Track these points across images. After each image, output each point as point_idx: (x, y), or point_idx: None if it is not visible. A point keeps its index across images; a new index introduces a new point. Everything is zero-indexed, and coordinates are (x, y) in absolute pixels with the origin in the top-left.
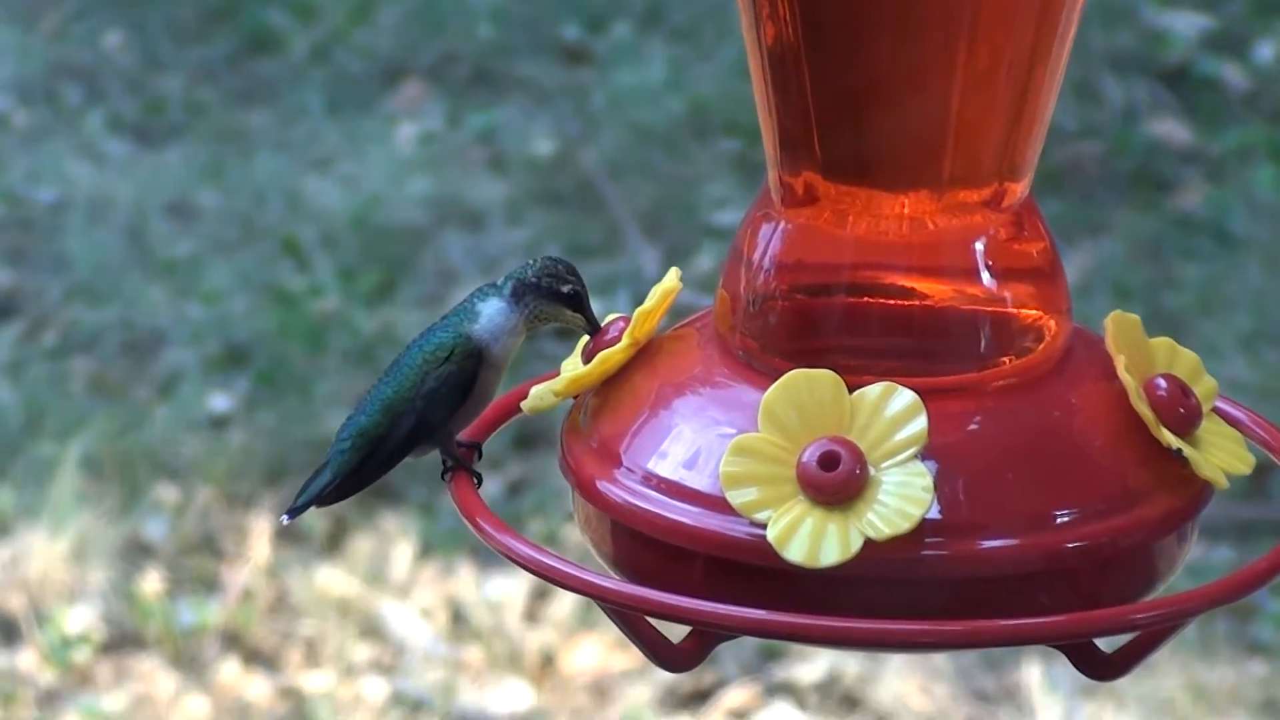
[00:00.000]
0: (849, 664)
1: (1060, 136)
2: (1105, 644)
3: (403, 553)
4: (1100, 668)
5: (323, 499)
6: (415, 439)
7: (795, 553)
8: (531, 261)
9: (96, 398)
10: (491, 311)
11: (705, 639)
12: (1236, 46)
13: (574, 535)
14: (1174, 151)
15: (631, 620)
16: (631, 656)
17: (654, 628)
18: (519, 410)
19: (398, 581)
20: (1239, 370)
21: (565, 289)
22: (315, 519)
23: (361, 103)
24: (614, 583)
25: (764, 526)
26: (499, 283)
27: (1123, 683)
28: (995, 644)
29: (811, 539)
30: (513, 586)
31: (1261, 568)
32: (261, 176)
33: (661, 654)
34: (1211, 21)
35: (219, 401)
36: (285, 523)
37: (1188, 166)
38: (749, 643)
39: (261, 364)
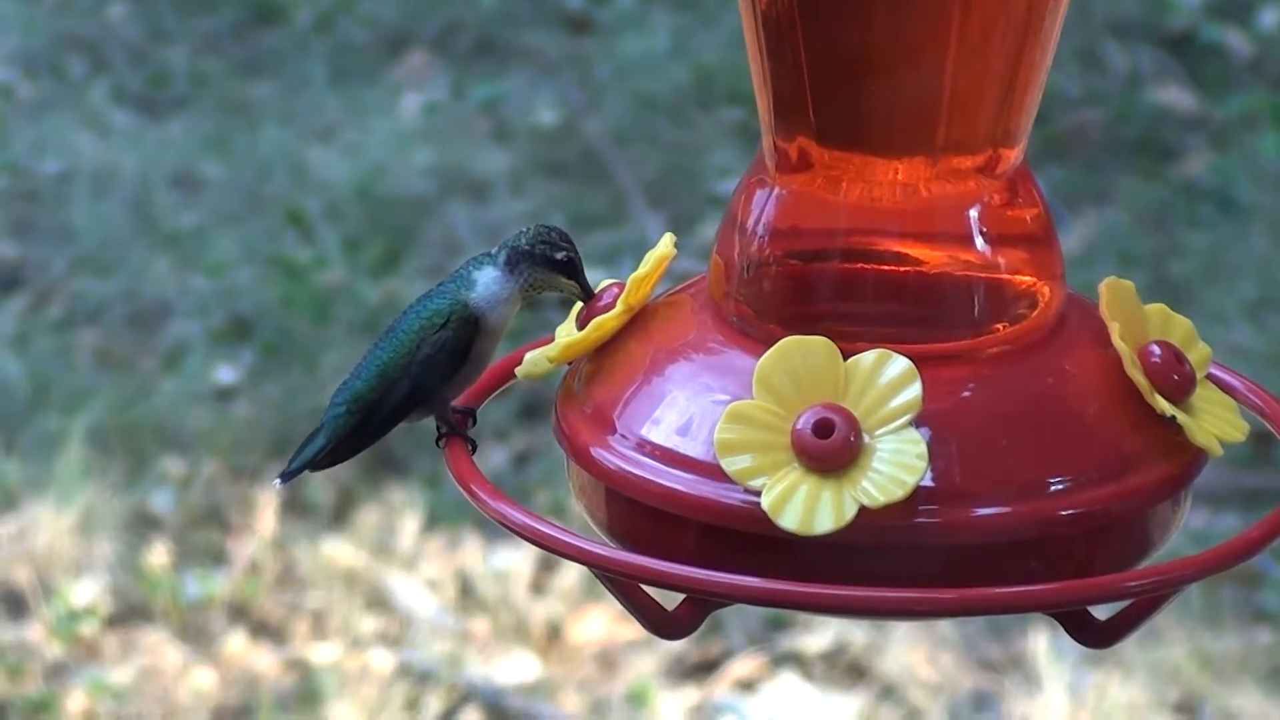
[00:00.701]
0: (855, 634)
1: (1064, 103)
2: (1101, 611)
3: (409, 524)
4: (1095, 635)
5: (317, 463)
6: (410, 405)
7: (789, 520)
8: (526, 229)
9: (102, 370)
10: (487, 279)
11: (700, 606)
12: (1240, 13)
13: (578, 507)
14: (1178, 118)
15: (626, 588)
16: (637, 628)
17: (649, 595)
18: (514, 377)
19: (404, 553)
20: (1244, 337)
21: (559, 256)
22: (321, 491)
23: (365, 73)
24: (608, 550)
25: (758, 494)
26: (494, 251)
27: (1128, 651)
28: (988, 612)
29: (806, 506)
30: (519, 558)
31: (1254, 536)
32: (266, 148)
33: (657, 621)
34: None
35: (224, 373)
36: (279, 485)
37: (1192, 133)
38: (754, 613)
39: (267, 335)
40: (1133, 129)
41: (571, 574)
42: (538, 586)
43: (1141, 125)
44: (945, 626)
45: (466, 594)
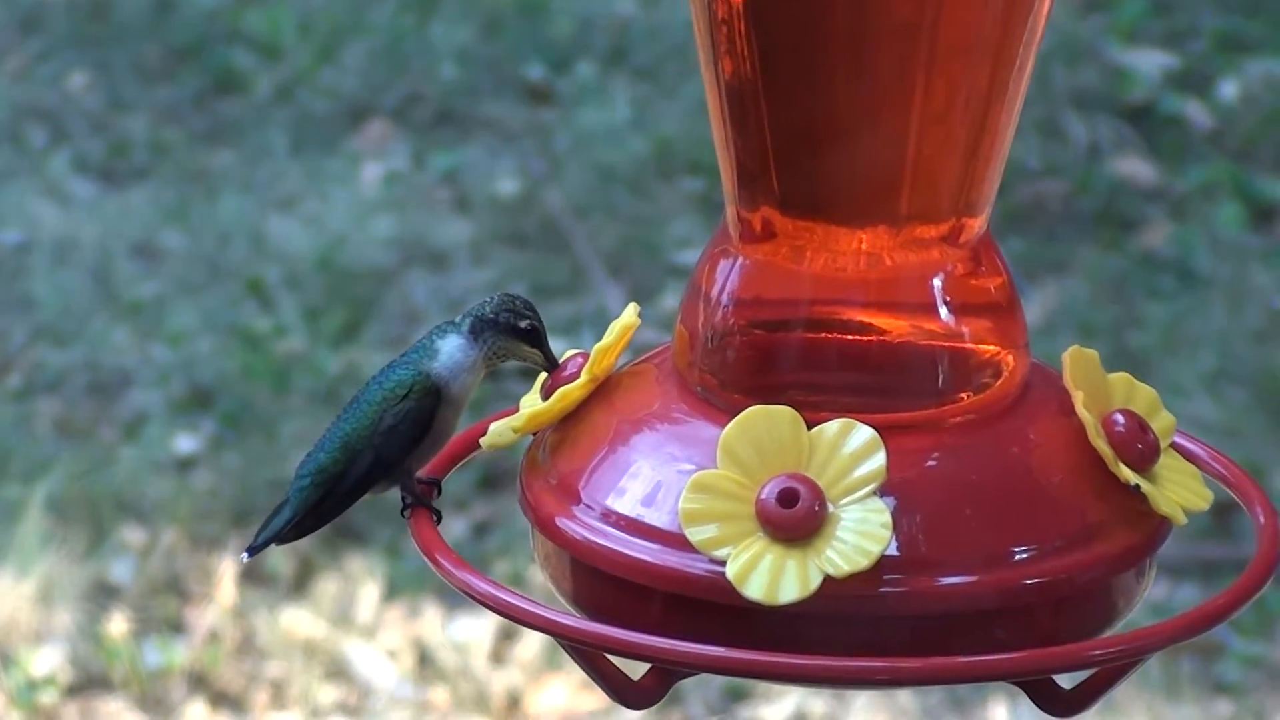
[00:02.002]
0: (815, 703)
1: (1024, 174)
2: (1064, 680)
3: (369, 594)
4: (1059, 704)
5: (283, 536)
6: (374, 476)
7: (754, 590)
8: (489, 298)
9: (62, 439)
10: (450, 348)
11: (665, 676)
12: (1200, 85)
13: (539, 576)
14: (1138, 190)
15: (591, 657)
16: (598, 697)
17: (614, 665)
18: (478, 447)
19: (363, 622)
20: (1203, 409)
21: (523, 325)
22: (281, 560)
23: (326, 143)
24: (572, 619)
25: (723, 563)
26: (458, 320)
27: None
28: (953, 681)
29: (771, 576)
30: (479, 627)
31: (1218, 605)
32: (226, 217)
33: (621, 691)
34: (1175, 60)
35: (185, 443)
36: (245, 560)
37: (1152, 204)
38: (714, 683)
39: (227, 405)
40: (1093, 200)
41: (532, 644)
42: (498, 656)
43: (1101, 196)
44: (905, 697)
45: (426, 663)
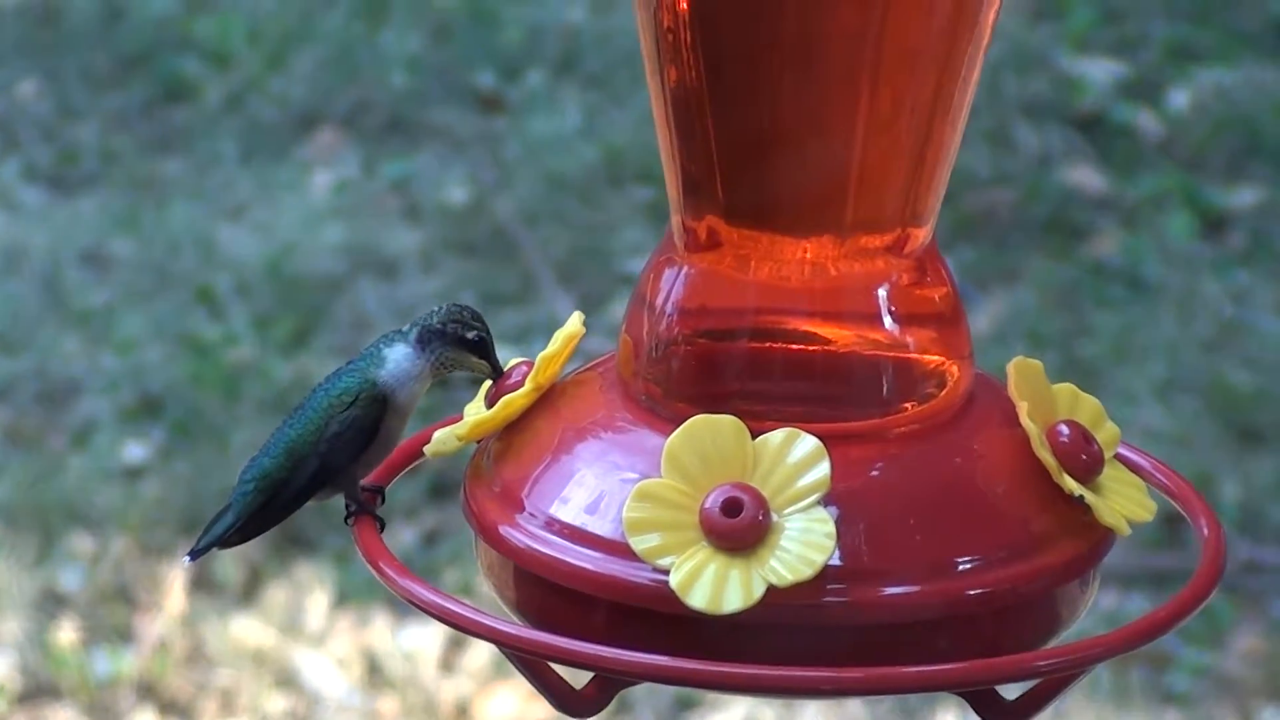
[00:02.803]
0: (765, 712)
1: (974, 183)
2: (1009, 690)
3: (318, 602)
4: (1002, 714)
5: (225, 540)
6: (319, 483)
7: (698, 599)
8: (437, 308)
9: (11, 448)
10: (398, 357)
11: (608, 685)
12: (1150, 94)
13: (487, 587)
14: (1088, 198)
15: (535, 666)
16: (546, 707)
17: (557, 674)
18: (423, 455)
19: (313, 631)
20: (1154, 418)
21: (470, 335)
22: (230, 569)
23: (276, 151)
24: (515, 628)
25: (667, 572)
26: (405, 329)
27: None
28: (896, 691)
29: (714, 585)
30: (428, 636)
31: (1162, 616)
32: (176, 225)
33: (565, 700)
34: (1125, 69)
35: (134, 451)
36: (187, 564)
37: (1102, 213)
38: (664, 693)
39: (176, 413)
40: (1043, 209)
41: (481, 653)
42: (447, 665)
43: (1051, 205)
44: (855, 705)
45: (375, 672)
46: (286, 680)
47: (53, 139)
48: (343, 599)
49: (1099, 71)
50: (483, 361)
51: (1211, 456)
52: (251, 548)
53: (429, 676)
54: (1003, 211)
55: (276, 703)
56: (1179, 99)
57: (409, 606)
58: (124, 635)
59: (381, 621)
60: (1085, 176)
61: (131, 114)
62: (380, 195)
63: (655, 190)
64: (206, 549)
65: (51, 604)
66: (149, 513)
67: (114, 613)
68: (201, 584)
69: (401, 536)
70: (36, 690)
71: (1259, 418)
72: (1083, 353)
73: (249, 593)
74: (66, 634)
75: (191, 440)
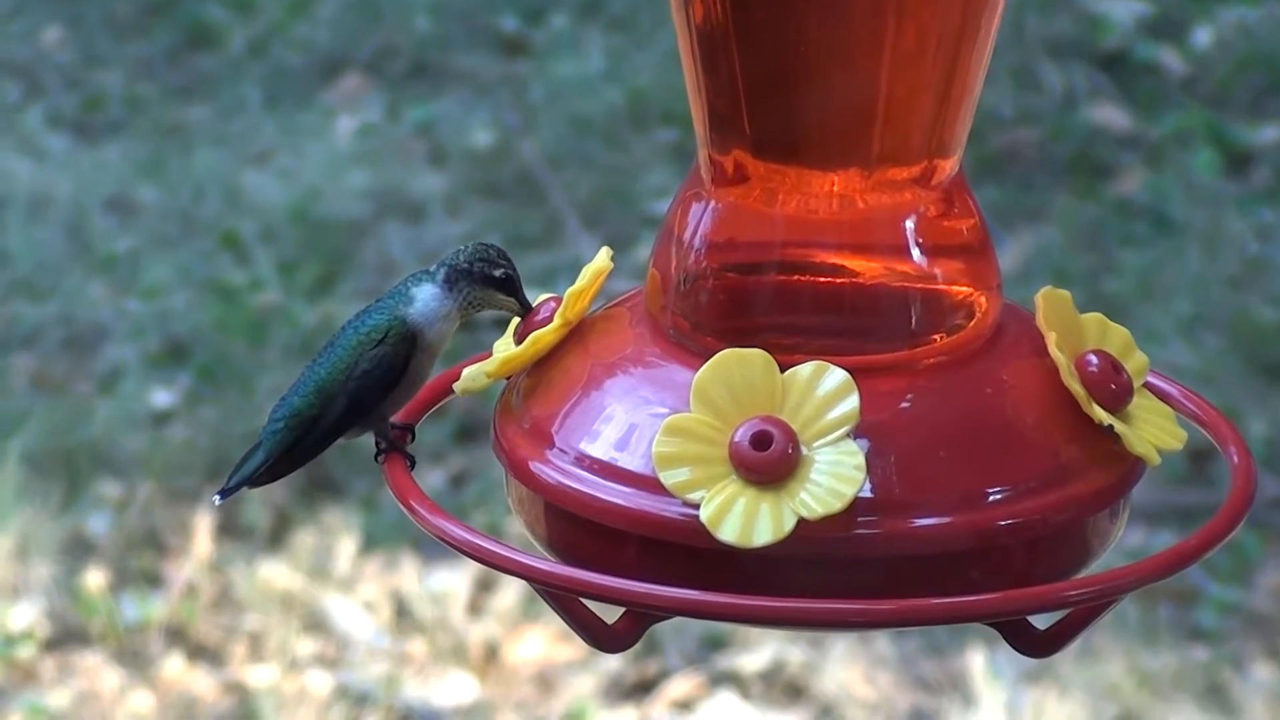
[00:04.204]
0: (793, 653)
1: (998, 123)
2: (1040, 621)
3: (346, 546)
4: (1034, 645)
5: (255, 479)
6: (348, 421)
7: (728, 533)
8: (464, 247)
9: (37, 394)
10: (426, 296)
11: (639, 620)
12: (1174, 31)
13: (516, 527)
14: (1112, 137)
15: (566, 602)
16: (575, 648)
17: (588, 609)
18: (452, 392)
19: (341, 575)
20: (1179, 355)
21: (498, 273)
22: (258, 513)
23: (300, 96)
24: (546, 564)
25: (697, 507)
26: (433, 269)
27: (1066, 669)
28: (927, 623)
29: (744, 519)
30: (456, 579)
31: (1192, 545)
32: (201, 171)
33: (596, 635)
34: (1149, 6)
35: (160, 397)
36: (217, 503)
37: (1126, 152)
38: (691, 632)
39: (203, 359)
40: (1067, 147)
41: (509, 595)
42: (475, 608)
43: (1076, 144)
44: (883, 644)
45: (403, 615)
46: (315, 624)
47: (77, 86)
48: (370, 543)
49: (1122, 10)
50: (511, 299)
51: (1238, 393)
52: (279, 492)
53: (457, 619)
54: (1027, 151)
55: (305, 646)
56: (1202, 37)
57: (437, 550)
58: (152, 580)
59: (409, 565)
60: (1109, 115)
61: (156, 61)
62: (405, 140)
63: (680, 132)
64: (237, 488)
65: (80, 550)
66: (176, 458)
67: (142, 558)
68: (229, 529)
69: (429, 479)
70: (66, 636)
71: None
72: (1108, 290)
73: (276, 537)
74: (95, 579)
75: (218, 385)
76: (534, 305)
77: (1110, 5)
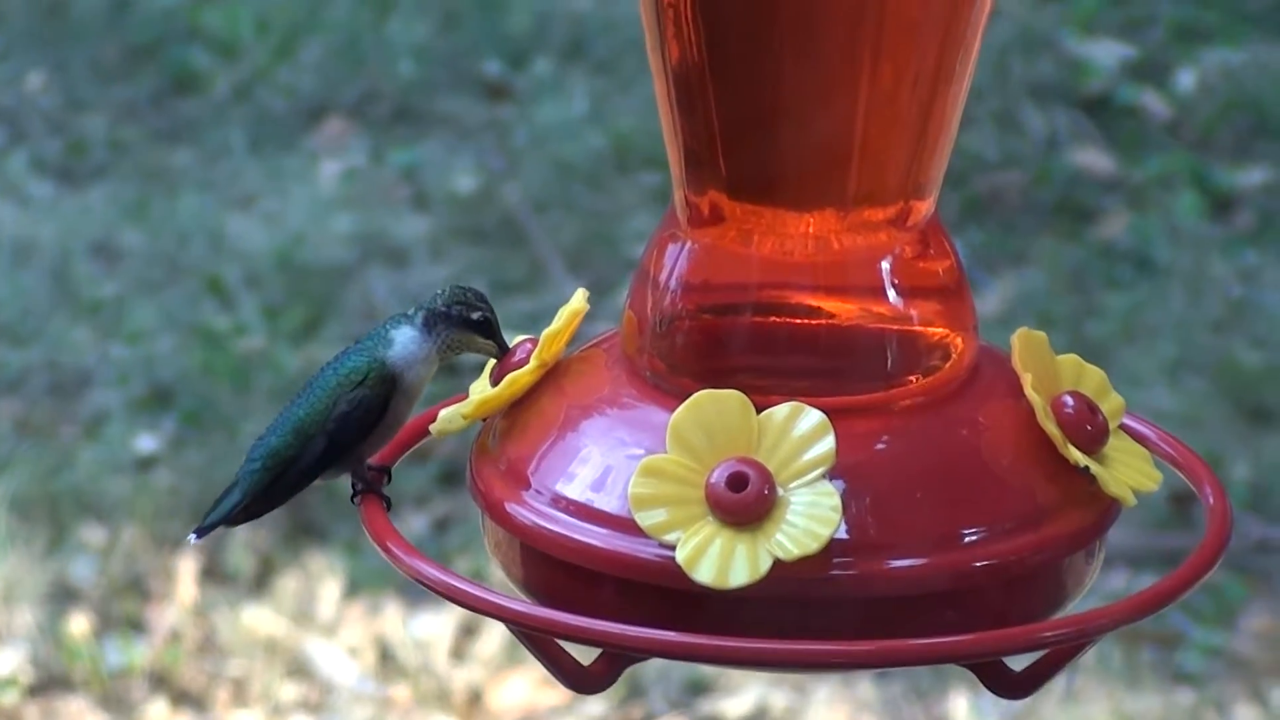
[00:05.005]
0: (776, 697)
1: (982, 166)
2: (1016, 662)
3: (329, 591)
4: (1010, 686)
5: (232, 519)
6: (326, 462)
7: (704, 574)
8: (441, 290)
9: (22, 439)
10: (405, 339)
11: (616, 661)
12: (1157, 75)
13: (499, 571)
14: (1096, 180)
15: (543, 643)
16: (559, 692)
17: (564, 650)
18: (429, 434)
19: (324, 620)
20: (1162, 398)
21: (475, 316)
22: (241, 558)
23: (284, 141)
24: (522, 605)
25: (673, 548)
26: (411, 312)
27: (1049, 712)
28: (903, 664)
29: (720, 560)
30: (439, 624)
31: (1167, 587)
32: (185, 216)
33: (573, 676)
34: (1132, 50)
35: (145, 442)
36: (194, 541)
37: (1110, 195)
38: (675, 676)
39: (187, 404)
40: (1051, 191)
41: (492, 639)
42: (458, 652)
43: (1059, 187)
44: (866, 689)
45: (387, 660)
46: (299, 669)
47: (61, 131)
48: (354, 588)
49: (1105, 53)
50: (489, 342)
51: (1221, 436)
52: (262, 536)
53: (441, 664)
54: (1011, 194)
55: (289, 691)
56: (1186, 80)
57: (420, 595)
58: (136, 626)
59: (393, 610)
60: (1093, 158)
61: (140, 105)
62: (389, 184)
63: (663, 176)
64: (213, 527)
65: (63, 595)
66: (160, 503)
67: (126, 603)
68: (213, 574)
69: (412, 523)
70: (49, 681)
71: (1268, 397)
72: (1092, 334)
73: (260, 582)
74: (79, 625)
75: (202, 430)
76: (510, 347)
77: (1093, 49)
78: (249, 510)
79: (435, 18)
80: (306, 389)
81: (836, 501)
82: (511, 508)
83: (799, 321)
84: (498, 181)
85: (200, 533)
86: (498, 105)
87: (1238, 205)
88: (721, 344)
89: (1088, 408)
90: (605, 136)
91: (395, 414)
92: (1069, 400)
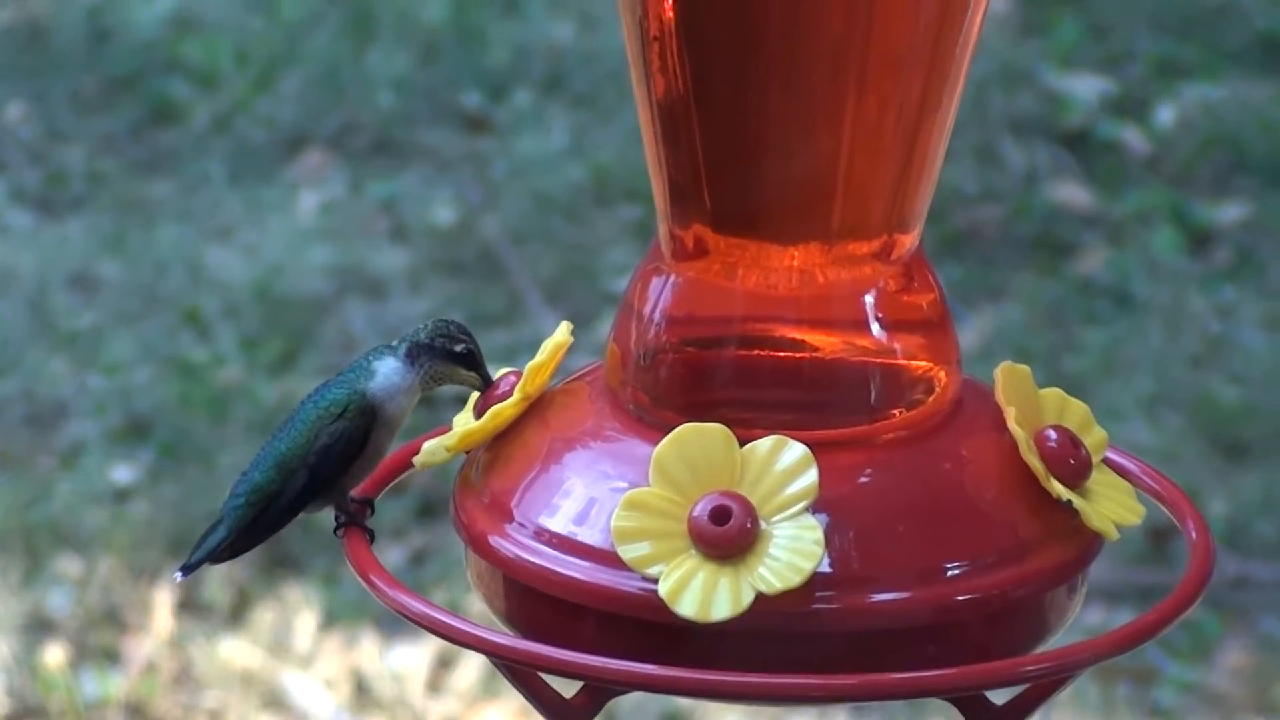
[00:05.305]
0: None
1: (961, 200)
2: (998, 695)
3: (306, 623)
4: None
5: (218, 556)
6: (309, 495)
7: (687, 607)
8: (425, 323)
9: None
10: (387, 370)
11: (598, 694)
12: (1137, 110)
13: (477, 604)
14: (1075, 215)
15: (525, 676)
16: None
17: (546, 684)
18: (411, 466)
19: (301, 652)
20: (1140, 433)
21: (459, 349)
22: (218, 590)
23: (263, 172)
24: (503, 637)
25: (656, 581)
26: (394, 344)
27: None
28: (886, 697)
29: (703, 593)
30: (416, 656)
31: (1148, 622)
32: (163, 247)
33: (554, 710)
34: (1112, 86)
35: (122, 473)
36: (179, 579)
37: (1089, 230)
38: (652, 709)
39: (164, 435)
40: (1030, 226)
41: (468, 673)
42: (434, 685)
43: (1039, 222)
44: None
45: (363, 693)
46: (274, 701)
47: (40, 161)
48: (330, 620)
49: (1085, 88)
50: (472, 374)
51: (1198, 472)
52: (239, 568)
53: (417, 697)
54: (990, 228)
55: None
56: (1165, 115)
57: (396, 627)
58: (112, 657)
59: (369, 642)
60: (1072, 193)
61: (119, 136)
62: (367, 216)
63: (642, 209)
64: (199, 564)
65: (39, 626)
66: (137, 534)
67: (102, 634)
68: (189, 605)
69: (390, 555)
70: (25, 713)
71: (1245, 433)
72: (1070, 368)
73: (237, 614)
74: (55, 656)
75: (179, 462)
76: (494, 379)
77: (1073, 84)
78: (234, 546)
79: (415, 50)
80: (287, 423)
81: (819, 535)
82: (494, 540)
83: (783, 355)
84: (477, 214)
85: (187, 570)
86: (477, 137)
87: (1216, 241)
88: (705, 377)
89: (1071, 442)
90: (584, 169)
91: (376, 446)
92: (1052, 434)
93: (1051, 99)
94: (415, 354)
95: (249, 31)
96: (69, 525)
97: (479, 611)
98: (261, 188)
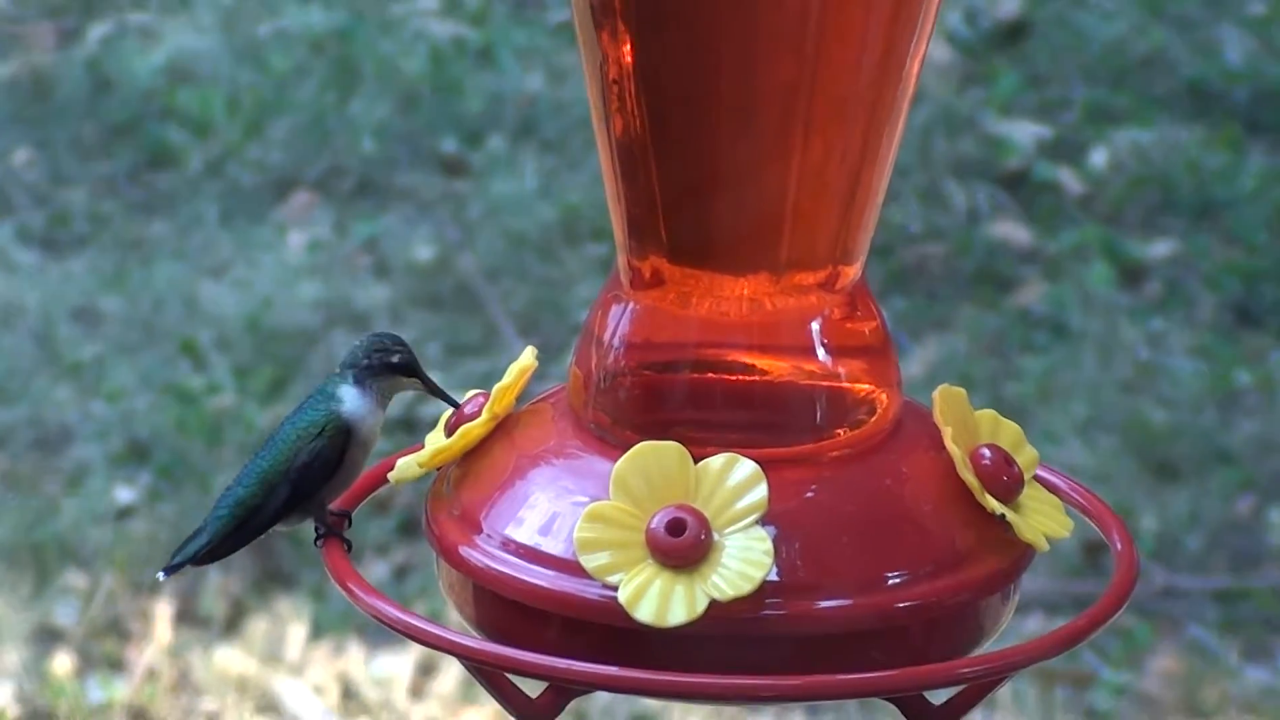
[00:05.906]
0: None
1: (907, 238)
2: (936, 696)
3: (296, 633)
4: (930, 719)
5: (198, 559)
6: (289, 508)
7: (645, 613)
8: (359, 343)
9: (8, 491)
10: (350, 395)
11: (562, 694)
12: (1072, 153)
13: (456, 615)
14: (1014, 251)
15: (493, 677)
16: None
17: (513, 684)
18: (387, 481)
19: (292, 660)
20: (1076, 455)
21: (395, 359)
22: (214, 603)
23: (253, 213)
24: (474, 640)
25: (616, 589)
26: (339, 371)
27: None
28: (832, 697)
29: (660, 600)
30: (399, 663)
31: (1078, 627)
32: (161, 283)
33: (521, 709)
34: (1048, 130)
35: (123, 494)
36: (161, 579)
37: (1027, 265)
38: (620, 712)
39: (163, 458)
40: (971, 261)
41: (449, 678)
42: (417, 690)
43: (980, 258)
44: None
45: (350, 698)
46: (268, 706)
47: (45, 204)
48: (319, 630)
49: (1023, 133)
50: (414, 379)
51: (1130, 490)
52: (234, 582)
53: (400, 701)
54: (934, 264)
55: None
56: (1098, 158)
57: (380, 637)
58: (116, 665)
59: (355, 650)
60: (1011, 231)
61: (119, 180)
62: (351, 254)
63: (608, 247)
64: (179, 566)
65: (47, 637)
66: (138, 550)
67: (106, 644)
68: (187, 617)
69: (374, 570)
70: (35, 717)
71: (1174, 453)
72: (1009, 394)
73: (232, 625)
74: (62, 664)
75: (177, 483)
76: (462, 401)
77: (1012, 129)
78: (214, 552)
79: (396, 99)
80: (269, 442)
81: (768, 546)
82: (464, 551)
83: (734, 378)
84: (454, 251)
85: (168, 571)
86: (454, 180)
87: (1146, 275)
88: (661, 399)
89: (1004, 459)
90: (554, 210)
91: (352, 462)
92: (986, 452)
93: (992, 143)
94: (361, 377)
95: (240, 82)
96: (74, 542)
97: (457, 621)
98: (252, 227)
